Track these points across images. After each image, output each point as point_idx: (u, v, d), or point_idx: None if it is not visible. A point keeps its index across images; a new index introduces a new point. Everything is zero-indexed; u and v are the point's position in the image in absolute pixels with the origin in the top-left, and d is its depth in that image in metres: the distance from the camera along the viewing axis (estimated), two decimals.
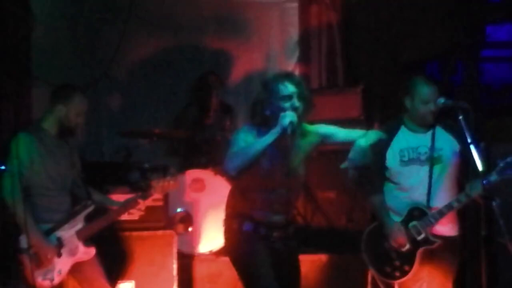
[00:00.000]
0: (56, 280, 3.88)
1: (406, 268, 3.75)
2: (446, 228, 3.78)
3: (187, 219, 5.09)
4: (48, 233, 3.89)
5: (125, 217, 4.30)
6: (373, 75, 6.15)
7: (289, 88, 3.44)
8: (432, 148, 3.77)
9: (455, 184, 3.81)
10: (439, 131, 3.80)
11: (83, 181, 4.14)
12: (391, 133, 3.84)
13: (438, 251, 3.75)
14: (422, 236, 3.72)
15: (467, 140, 3.31)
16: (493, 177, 3.52)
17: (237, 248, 3.59)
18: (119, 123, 6.07)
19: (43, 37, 6.03)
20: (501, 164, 3.54)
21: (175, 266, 4.63)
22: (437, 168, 3.75)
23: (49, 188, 3.93)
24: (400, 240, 3.74)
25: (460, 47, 5.40)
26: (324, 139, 3.61)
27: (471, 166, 3.31)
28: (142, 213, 4.27)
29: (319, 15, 6.58)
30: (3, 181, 3.85)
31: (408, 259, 3.75)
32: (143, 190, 4.21)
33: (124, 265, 4.54)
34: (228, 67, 6.55)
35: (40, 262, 3.83)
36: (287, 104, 3.42)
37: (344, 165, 3.69)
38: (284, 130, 3.33)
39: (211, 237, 5.03)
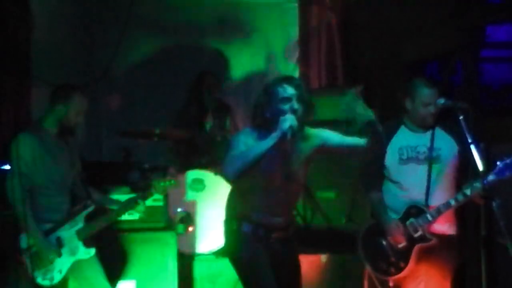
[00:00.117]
0: (56, 279, 3.89)
1: (402, 264, 3.78)
2: (443, 226, 3.81)
3: (187, 219, 5.09)
4: (48, 233, 3.90)
5: (125, 217, 4.31)
6: (373, 75, 6.15)
7: (288, 90, 3.45)
8: (431, 148, 3.79)
9: (453, 184, 3.84)
10: (438, 132, 3.84)
11: (83, 181, 4.14)
12: (390, 132, 3.87)
13: (436, 250, 3.77)
14: (419, 233, 3.75)
15: (467, 140, 3.32)
16: (491, 177, 3.54)
17: (236, 249, 3.60)
18: (119, 123, 6.07)
19: (43, 37, 6.03)
20: (500, 165, 3.56)
21: (175, 266, 4.63)
22: (435, 168, 3.79)
23: (49, 188, 3.94)
24: (397, 237, 3.77)
25: (460, 48, 5.40)
26: (325, 143, 3.61)
27: (470, 166, 3.33)
28: (142, 213, 4.28)
29: (319, 15, 6.59)
30: (6, 181, 3.85)
31: (404, 256, 3.78)
32: (143, 190, 4.22)
33: (124, 265, 4.54)
34: (228, 67, 6.56)
35: (40, 261, 3.84)
36: (286, 107, 3.42)
37: None
38: (284, 134, 3.33)
39: (211, 237, 5.03)
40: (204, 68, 6.16)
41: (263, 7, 6.64)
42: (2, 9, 5.65)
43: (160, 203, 4.68)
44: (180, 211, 5.10)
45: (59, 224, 3.94)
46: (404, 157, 3.83)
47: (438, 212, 3.72)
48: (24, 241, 3.84)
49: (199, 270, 4.92)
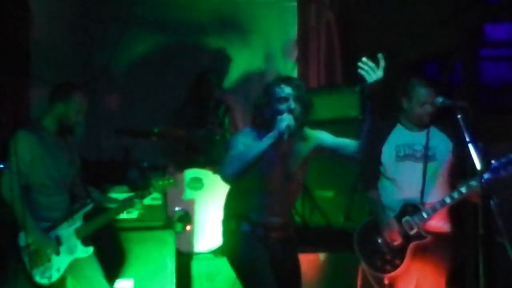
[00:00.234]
0: (54, 278, 3.88)
1: (397, 262, 3.80)
2: (439, 224, 3.82)
3: (186, 218, 5.09)
4: (46, 231, 3.90)
5: (124, 215, 4.31)
6: None
7: (285, 90, 3.45)
8: (427, 146, 3.81)
9: (448, 182, 3.86)
10: (434, 131, 3.87)
11: (82, 180, 4.14)
12: (387, 131, 3.89)
13: (431, 247, 3.79)
14: (415, 231, 3.77)
15: (464, 139, 3.33)
16: (487, 176, 3.55)
17: (235, 248, 3.59)
18: (118, 122, 6.07)
19: (42, 37, 6.04)
20: (495, 164, 3.57)
21: (173, 265, 4.63)
22: (431, 166, 3.81)
23: (48, 186, 3.94)
24: (393, 234, 3.78)
25: (459, 47, 5.41)
26: (320, 144, 3.61)
27: (469, 165, 3.34)
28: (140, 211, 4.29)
29: (317, 14, 6.60)
30: (2, 179, 3.86)
31: (399, 254, 3.79)
32: (142, 189, 4.22)
33: (123, 263, 4.55)
34: (227, 66, 6.56)
35: (38, 259, 3.84)
36: (283, 106, 3.42)
37: None
38: (281, 133, 3.33)
39: (210, 235, 5.04)
40: (203, 67, 6.17)
41: (262, 6, 6.65)
42: (2, 9, 5.66)
43: (159, 202, 4.67)
44: (179, 209, 5.11)
45: (58, 223, 3.94)
46: (401, 154, 3.85)
47: (434, 209, 3.74)
48: (22, 239, 3.84)
49: (197, 268, 4.93)
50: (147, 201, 4.27)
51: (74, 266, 3.95)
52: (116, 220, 4.42)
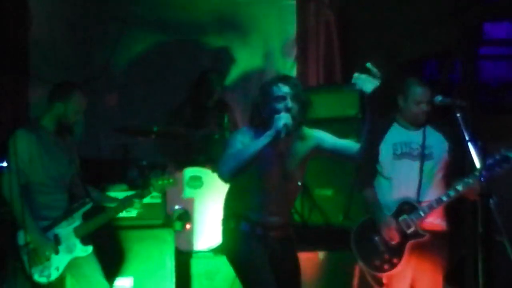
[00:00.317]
0: (53, 277, 3.89)
1: (395, 261, 3.81)
2: (435, 222, 3.85)
3: (185, 216, 5.09)
4: (45, 230, 3.90)
5: (123, 214, 4.31)
6: None
7: (282, 89, 3.45)
8: (423, 145, 3.84)
9: (444, 181, 3.90)
10: (429, 130, 3.91)
11: (81, 179, 4.14)
12: (384, 130, 3.91)
13: (428, 245, 3.81)
14: (412, 229, 3.78)
15: (464, 137, 3.33)
16: (482, 174, 3.57)
17: (234, 247, 3.60)
18: (117, 121, 6.07)
19: (41, 36, 6.03)
20: (490, 161, 3.59)
21: (173, 263, 4.64)
22: (427, 165, 3.84)
23: (47, 185, 3.94)
24: (391, 233, 3.79)
25: (458, 45, 5.41)
26: (319, 144, 3.61)
27: (468, 163, 3.35)
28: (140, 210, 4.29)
29: (317, 13, 6.60)
30: (2, 178, 3.85)
31: (397, 252, 3.81)
32: (141, 188, 4.23)
33: (122, 262, 4.54)
34: (226, 64, 6.56)
35: (37, 258, 3.84)
36: (280, 105, 3.42)
37: None
38: (277, 132, 3.32)
39: (209, 234, 5.04)
40: (202, 66, 6.17)
41: (261, 5, 6.63)
42: (1, 8, 5.65)
43: (158, 201, 4.67)
44: (178, 208, 5.10)
45: (57, 221, 3.94)
46: (398, 152, 3.88)
47: (430, 208, 3.77)
48: (21, 238, 3.84)
49: (196, 267, 4.92)
50: (146, 199, 4.27)
51: (73, 265, 3.95)
52: (116, 218, 4.42)
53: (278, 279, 3.49)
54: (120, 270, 4.53)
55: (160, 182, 4.19)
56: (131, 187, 4.71)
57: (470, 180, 3.62)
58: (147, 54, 6.43)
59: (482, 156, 3.35)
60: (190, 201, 5.16)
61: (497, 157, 3.61)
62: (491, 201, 3.25)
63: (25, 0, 5.88)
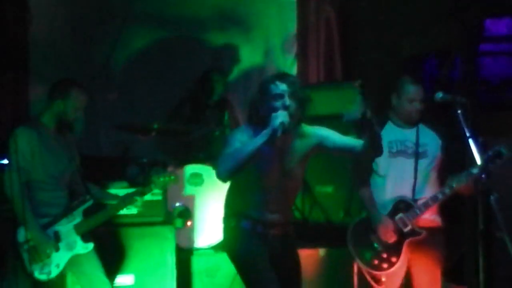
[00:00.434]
0: (53, 274, 3.89)
1: (393, 259, 3.83)
2: (430, 218, 3.87)
3: (186, 213, 5.09)
4: (45, 227, 3.90)
5: (123, 211, 4.32)
6: (371, 71, 6.15)
7: (280, 87, 3.43)
8: (417, 143, 3.86)
9: (439, 179, 3.94)
10: (422, 128, 3.95)
11: (82, 176, 4.15)
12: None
13: (424, 242, 3.83)
14: (409, 228, 3.80)
15: (465, 134, 3.33)
16: (475, 171, 3.59)
17: (235, 245, 3.59)
18: (118, 118, 6.06)
19: (41, 33, 6.02)
20: (483, 158, 3.59)
21: (173, 261, 4.64)
22: (422, 163, 3.87)
23: (47, 182, 3.94)
24: (387, 232, 3.80)
25: (459, 42, 5.41)
26: (322, 142, 3.58)
27: (467, 160, 3.37)
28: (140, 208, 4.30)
29: (317, 10, 6.59)
30: (4, 175, 3.86)
31: (395, 251, 3.82)
32: (142, 185, 4.23)
33: (123, 259, 4.54)
34: (227, 61, 6.56)
35: (37, 255, 3.84)
36: (278, 103, 3.40)
37: None
38: (274, 130, 3.29)
39: (210, 231, 5.04)
40: (202, 63, 6.16)
41: (261, 2, 6.64)
42: (1, 8, 5.65)
43: (159, 198, 4.67)
44: (179, 205, 5.10)
45: (57, 219, 3.94)
46: (394, 150, 3.91)
47: (426, 205, 3.80)
48: (21, 235, 3.84)
49: (197, 264, 4.92)
50: (147, 196, 4.28)
51: (73, 262, 3.95)
52: (116, 216, 4.42)
53: (278, 276, 3.49)
54: (121, 268, 4.53)
55: (161, 179, 4.20)
56: (131, 184, 4.70)
57: (464, 178, 3.69)
58: (147, 50, 6.42)
59: (482, 152, 3.36)
60: (191, 198, 5.16)
61: (489, 153, 3.66)
62: (491, 197, 3.25)
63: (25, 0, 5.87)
